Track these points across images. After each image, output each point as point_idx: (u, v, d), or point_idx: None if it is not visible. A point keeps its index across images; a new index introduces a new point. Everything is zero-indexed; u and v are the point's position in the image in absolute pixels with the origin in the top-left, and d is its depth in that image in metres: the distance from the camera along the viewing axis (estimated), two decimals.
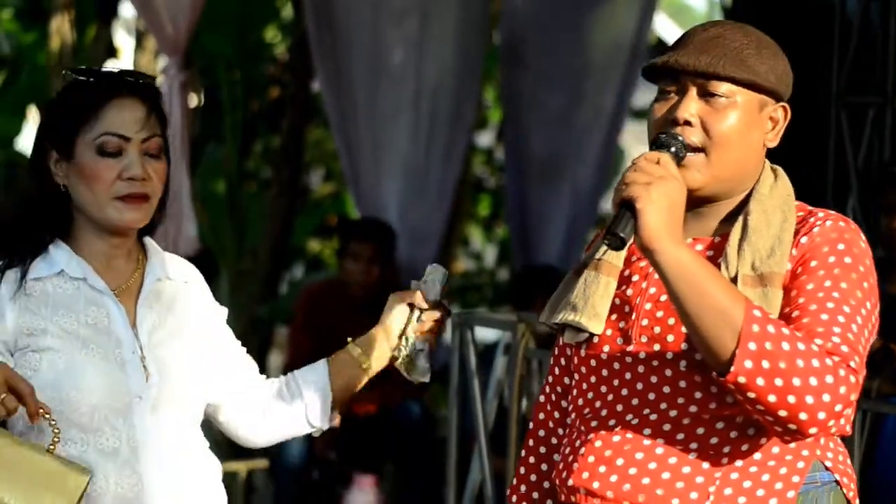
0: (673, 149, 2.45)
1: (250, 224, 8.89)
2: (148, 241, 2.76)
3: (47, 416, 2.51)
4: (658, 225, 2.33)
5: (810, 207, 2.55)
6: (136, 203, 2.63)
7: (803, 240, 2.45)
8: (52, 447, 2.52)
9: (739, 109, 2.47)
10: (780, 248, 2.45)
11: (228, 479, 2.83)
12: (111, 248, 2.69)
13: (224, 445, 3.38)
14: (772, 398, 2.32)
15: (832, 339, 2.35)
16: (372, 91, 6.85)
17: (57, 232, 2.67)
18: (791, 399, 2.31)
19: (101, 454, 2.61)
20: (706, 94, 2.47)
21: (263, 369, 2.91)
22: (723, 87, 2.47)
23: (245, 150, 9.17)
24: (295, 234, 9.28)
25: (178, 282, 2.75)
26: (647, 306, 2.49)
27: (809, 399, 2.30)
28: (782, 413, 2.33)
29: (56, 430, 2.53)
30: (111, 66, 2.60)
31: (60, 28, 9.18)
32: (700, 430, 2.46)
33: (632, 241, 2.38)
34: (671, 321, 2.47)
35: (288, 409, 2.82)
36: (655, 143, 2.47)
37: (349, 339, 2.82)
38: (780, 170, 2.58)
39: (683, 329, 2.43)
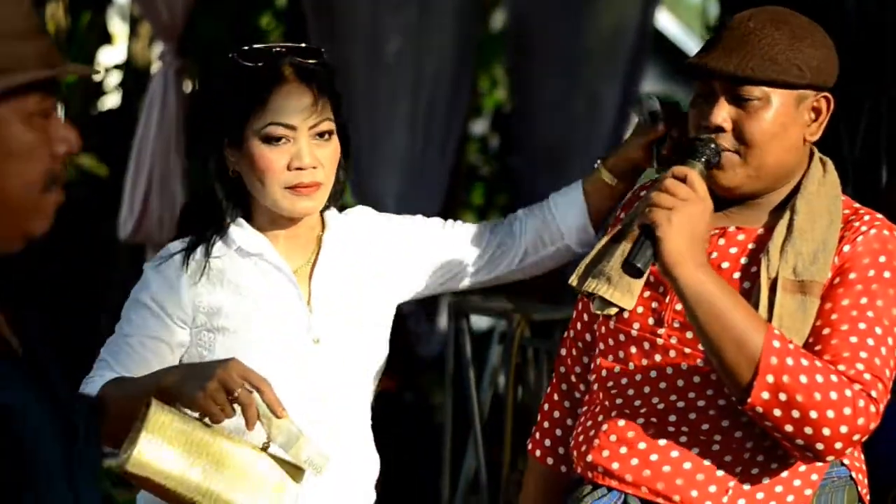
0: (704, 158, 2.41)
1: None
2: (328, 214, 2.71)
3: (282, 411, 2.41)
4: (679, 251, 2.31)
5: (856, 205, 2.52)
6: (308, 192, 2.60)
7: (846, 248, 2.42)
8: (266, 444, 2.43)
9: (774, 110, 2.43)
10: (824, 254, 2.42)
11: None
12: (288, 229, 2.67)
13: None
14: (789, 428, 2.32)
15: (856, 367, 2.34)
16: (370, 80, 6.83)
17: (236, 213, 2.66)
18: (808, 430, 2.31)
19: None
20: (738, 98, 2.43)
21: None
22: (754, 91, 2.43)
23: None
24: None
25: (355, 246, 2.71)
26: None
27: (826, 431, 2.31)
28: (799, 441, 2.33)
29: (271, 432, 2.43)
30: (278, 44, 2.54)
31: (55, 14, 9.17)
32: (725, 423, 2.45)
33: (649, 268, 2.35)
34: None
35: (545, 244, 2.81)
36: (689, 151, 2.44)
37: (598, 162, 2.78)
38: (829, 163, 2.54)
39: None
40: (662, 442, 2.47)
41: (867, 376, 2.33)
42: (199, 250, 2.65)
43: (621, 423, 2.51)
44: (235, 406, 2.38)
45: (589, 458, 2.52)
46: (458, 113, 7.27)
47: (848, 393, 2.31)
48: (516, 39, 7.54)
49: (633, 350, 2.52)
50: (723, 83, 2.44)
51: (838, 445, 2.32)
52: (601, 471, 2.50)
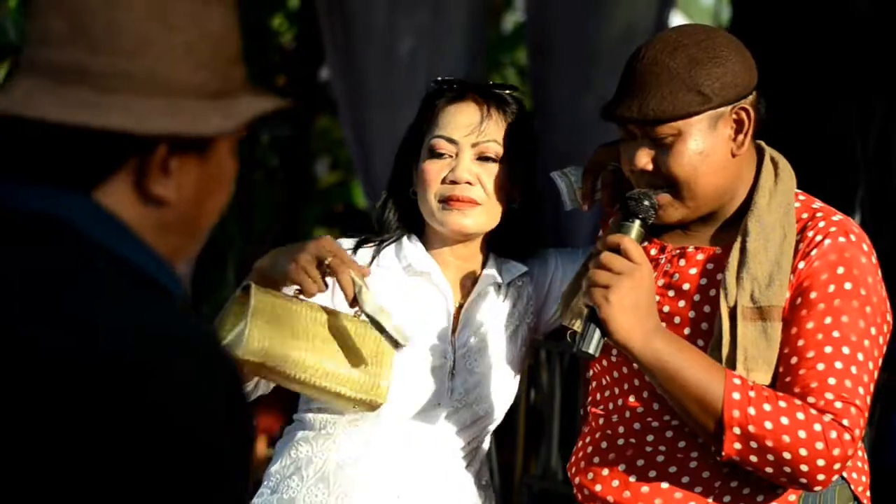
0: (641, 216, 2.40)
1: (257, 212, 8.89)
2: (494, 259, 2.72)
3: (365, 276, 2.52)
4: (625, 327, 2.31)
5: (815, 205, 2.49)
6: (460, 206, 2.61)
7: (801, 265, 2.41)
8: (357, 314, 2.52)
9: (688, 140, 2.40)
10: (779, 275, 2.40)
11: None
12: (452, 251, 2.69)
13: None
14: (769, 470, 2.34)
15: (825, 397, 2.34)
16: (384, 80, 6.83)
17: (412, 229, 2.69)
18: (787, 469, 2.33)
19: (386, 441, 2.63)
20: (653, 138, 2.42)
21: None
22: (664, 129, 2.40)
23: (251, 138, 9.16)
24: (301, 222, 9.28)
25: (509, 287, 2.73)
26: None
27: (804, 468, 2.32)
28: (783, 480, 2.36)
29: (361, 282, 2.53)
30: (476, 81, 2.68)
31: None
32: (701, 439, 2.45)
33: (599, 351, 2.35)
34: (685, 331, 2.46)
35: None
36: (622, 210, 2.44)
37: None
38: (781, 162, 2.51)
39: (690, 337, 2.43)
40: (640, 462, 2.49)
41: (838, 405, 2.33)
42: (368, 252, 2.68)
43: (604, 444, 2.53)
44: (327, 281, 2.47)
45: (577, 480, 2.56)
46: None
47: (817, 427, 2.32)
48: (533, 40, 7.52)
49: (616, 374, 2.55)
50: (636, 126, 2.43)
51: (821, 478, 2.34)
52: (587, 493, 2.53)
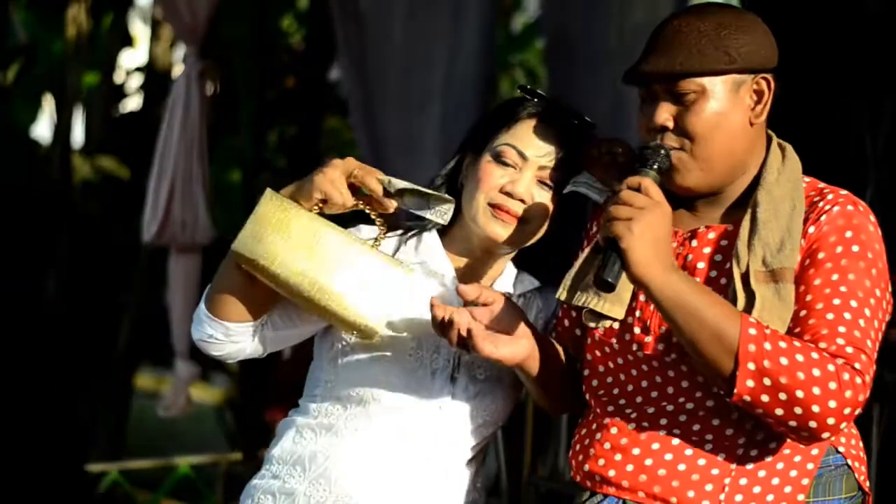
0: (656, 164, 2.45)
1: None
2: (510, 266, 2.74)
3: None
4: (646, 259, 2.34)
5: (821, 185, 2.54)
6: (507, 217, 2.64)
7: (811, 230, 2.45)
8: (377, 242, 2.60)
9: (710, 99, 2.46)
10: (790, 240, 2.44)
11: (246, 469, 2.83)
12: (474, 258, 2.71)
13: (227, 438, 3.38)
14: (779, 411, 2.34)
15: (836, 342, 2.36)
16: (397, 81, 6.83)
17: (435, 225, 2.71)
18: (798, 410, 2.33)
19: (388, 443, 2.65)
20: (674, 95, 2.47)
21: (279, 354, 2.91)
22: (688, 85, 2.46)
23: (260, 139, 9.18)
24: None
25: (519, 298, 2.74)
26: None
27: (816, 408, 2.32)
28: (792, 423, 2.35)
29: (382, 227, 2.62)
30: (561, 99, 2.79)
31: (76, 17, 9.20)
32: (716, 422, 2.46)
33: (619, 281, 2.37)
34: None
35: None
36: (639, 160, 2.48)
37: None
38: (788, 147, 2.56)
39: None
40: (656, 446, 2.49)
41: (849, 349, 2.35)
42: (392, 243, 2.71)
43: (614, 430, 2.53)
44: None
45: (586, 467, 2.55)
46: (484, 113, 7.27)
47: (831, 368, 2.32)
48: (550, 38, 7.49)
49: (621, 360, 2.55)
50: (659, 84, 2.48)
51: (831, 421, 2.33)
52: (598, 479, 2.53)
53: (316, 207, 2.56)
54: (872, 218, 2.49)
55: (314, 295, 2.53)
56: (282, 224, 2.53)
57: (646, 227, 2.34)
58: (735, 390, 2.34)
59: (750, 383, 2.33)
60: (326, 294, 2.54)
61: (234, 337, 2.64)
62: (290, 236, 2.53)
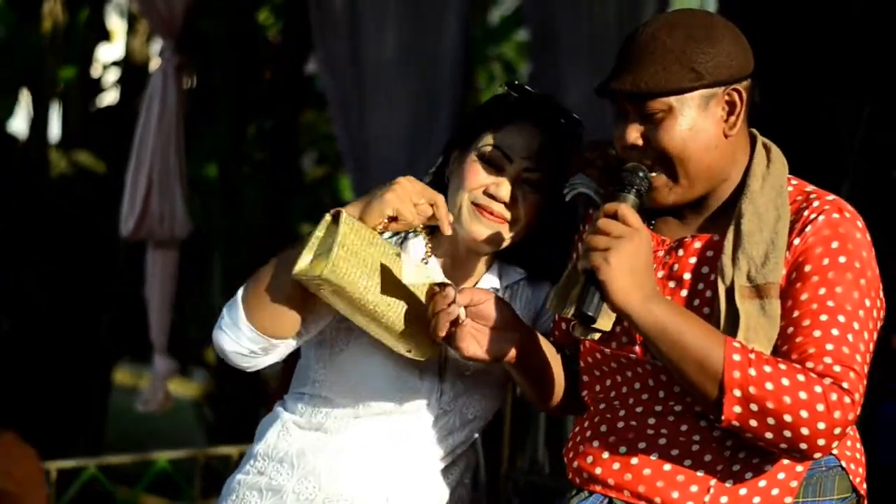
0: (634, 188, 2.43)
1: (244, 206, 8.88)
2: (488, 274, 2.73)
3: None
4: (624, 290, 2.32)
5: (808, 188, 2.51)
6: (490, 218, 2.63)
7: (796, 241, 2.42)
8: (425, 260, 2.60)
9: (679, 116, 2.43)
10: (775, 253, 2.42)
11: (221, 463, 2.83)
12: (459, 257, 2.70)
13: (221, 430, 3.38)
14: (769, 435, 2.33)
15: (823, 361, 2.34)
16: (377, 74, 6.81)
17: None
18: (787, 434, 2.32)
19: (376, 441, 2.65)
20: (644, 114, 2.44)
21: None
22: (655, 105, 2.42)
23: (238, 132, 9.16)
24: (288, 215, 9.28)
25: (506, 290, 2.74)
26: None
27: (805, 431, 2.31)
28: (783, 446, 2.34)
29: (428, 247, 2.63)
30: (550, 96, 2.76)
31: (53, 10, 9.17)
32: (703, 423, 2.46)
33: (599, 313, 2.37)
34: None
35: None
36: (616, 183, 2.45)
37: None
38: (773, 149, 2.53)
39: None
40: (642, 445, 2.49)
41: (836, 368, 2.33)
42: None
43: (603, 428, 2.54)
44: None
45: (575, 464, 2.56)
46: (461, 107, 7.26)
47: (818, 389, 2.31)
48: (534, 32, 7.48)
49: (613, 365, 2.55)
50: (628, 101, 2.45)
51: (821, 442, 2.33)
52: (586, 476, 2.53)
53: (380, 226, 2.55)
54: (860, 224, 2.46)
55: (384, 321, 2.54)
56: (361, 249, 2.50)
57: (623, 256, 2.32)
58: (723, 416, 2.33)
59: (737, 409, 2.32)
60: (395, 322, 2.54)
61: (273, 351, 2.61)
62: (368, 263, 2.50)
